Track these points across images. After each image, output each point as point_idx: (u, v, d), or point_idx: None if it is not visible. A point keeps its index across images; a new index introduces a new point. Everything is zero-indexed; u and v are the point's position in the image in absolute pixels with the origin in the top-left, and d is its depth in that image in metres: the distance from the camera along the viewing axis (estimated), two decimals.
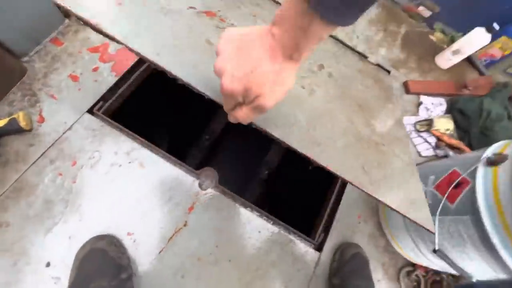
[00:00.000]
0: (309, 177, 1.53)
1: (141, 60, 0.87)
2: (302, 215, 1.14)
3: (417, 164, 0.94)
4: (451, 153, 0.94)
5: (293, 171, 1.70)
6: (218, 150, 1.98)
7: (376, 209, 0.86)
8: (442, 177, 0.65)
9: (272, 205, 1.56)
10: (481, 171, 0.55)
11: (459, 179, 0.59)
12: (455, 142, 0.96)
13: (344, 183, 0.88)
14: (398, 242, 0.79)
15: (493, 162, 0.54)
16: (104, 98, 0.79)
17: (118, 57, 0.84)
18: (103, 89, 0.79)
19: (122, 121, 0.80)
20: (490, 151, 0.60)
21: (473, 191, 0.55)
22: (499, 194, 0.51)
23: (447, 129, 0.99)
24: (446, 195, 0.60)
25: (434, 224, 0.63)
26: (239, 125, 0.46)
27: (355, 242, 0.79)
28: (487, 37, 1.02)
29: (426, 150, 0.98)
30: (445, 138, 0.97)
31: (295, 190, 1.54)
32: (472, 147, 0.96)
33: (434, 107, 1.06)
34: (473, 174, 0.57)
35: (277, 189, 1.71)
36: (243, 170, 1.98)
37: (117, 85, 0.82)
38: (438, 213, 0.62)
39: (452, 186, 0.59)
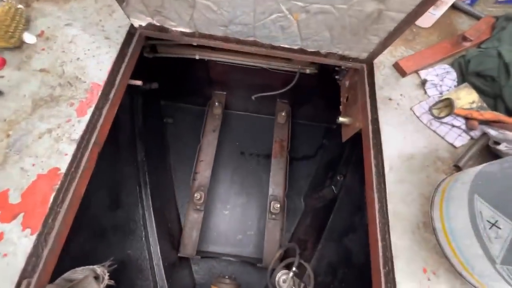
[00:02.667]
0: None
1: (65, 190, 0.62)
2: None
3: (457, 165, 0.72)
4: (492, 131, 0.72)
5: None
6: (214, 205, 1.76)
7: (441, 252, 0.63)
8: None
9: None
10: None
11: None
12: (490, 115, 0.74)
13: (386, 225, 0.65)
14: None
15: None
16: (27, 272, 0.55)
17: (27, 203, 0.59)
18: (20, 261, 0.54)
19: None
20: None
21: None
22: None
23: (472, 102, 0.78)
24: None
25: None
26: None
27: None
28: None
29: (459, 138, 0.76)
30: (476, 115, 0.75)
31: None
32: None
33: (441, 79, 0.85)
34: None
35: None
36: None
37: (40, 240, 0.57)
38: None
39: None
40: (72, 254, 0.99)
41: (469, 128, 0.76)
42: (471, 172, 0.61)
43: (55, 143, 0.64)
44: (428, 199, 0.68)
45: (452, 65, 0.87)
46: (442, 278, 0.61)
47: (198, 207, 1.58)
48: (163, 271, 1.19)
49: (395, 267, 0.61)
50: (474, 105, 0.77)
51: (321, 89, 1.74)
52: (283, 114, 1.84)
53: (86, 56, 0.75)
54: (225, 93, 1.92)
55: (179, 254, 1.47)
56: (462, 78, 0.83)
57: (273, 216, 1.60)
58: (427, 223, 0.66)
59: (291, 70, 1.52)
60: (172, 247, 1.45)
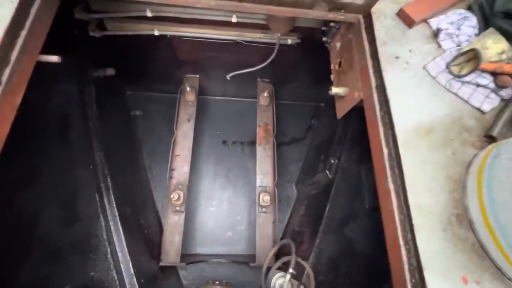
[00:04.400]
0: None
1: None
2: None
3: (489, 135, 0.55)
4: None
5: None
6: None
7: (483, 255, 0.48)
8: None
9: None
10: None
11: None
12: None
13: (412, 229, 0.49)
14: None
15: None
16: None
17: None
18: None
19: None
20: None
21: None
22: None
23: (501, 52, 0.61)
24: None
25: None
26: None
27: None
28: None
29: (487, 100, 0.60)
30: (508, 68, 0.58)
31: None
32: None
33: (457, 27, 0.66)
34: None
35: None
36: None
37: None
38: None
39: None
40: (21, 284, 0.79)
41: (499, 86, 0.59)
42: None
43: None
44: (458, 183, 0.52)
45: (469, 8, 0.69)
46: None
47: (177, 208, 1.38)
48: None
49: (425, 278, 0.45)
50: (504, 56, 0.60)
51: (305, 62, 1.54)
52: (265, 95, 1.63)
53: None
54: (198, 76, 1.69)
55: (160, 264, 1.29)
56: (485, 23, 0.65)
57: (263, 209, 1.43)
58: (461, 216, 0.50)
59: (269, 42, 1.30)
60: (151, 257, 1.27)
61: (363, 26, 0.66)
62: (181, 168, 1.49)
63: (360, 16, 0.67)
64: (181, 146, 1.53)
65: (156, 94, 1.80)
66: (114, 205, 1.09)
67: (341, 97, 0.76)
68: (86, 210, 1.01)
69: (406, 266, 0.46)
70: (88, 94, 1.22)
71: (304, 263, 1.04)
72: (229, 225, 1.62)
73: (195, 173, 1.66)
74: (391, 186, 0.51)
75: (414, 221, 0.48)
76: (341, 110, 0.77)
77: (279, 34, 1.19)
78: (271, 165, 1.57)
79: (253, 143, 1.77)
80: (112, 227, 1.05)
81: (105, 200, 1.08)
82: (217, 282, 1.30)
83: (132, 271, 1.02)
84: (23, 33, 0.52)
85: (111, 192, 1.10)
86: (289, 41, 1.28)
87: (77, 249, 0.95)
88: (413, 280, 0.46)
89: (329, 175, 1.28)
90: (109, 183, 1.12)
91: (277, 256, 1.25)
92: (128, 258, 1.03)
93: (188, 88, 1.56)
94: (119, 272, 0.99)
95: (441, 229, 0.48)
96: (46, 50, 0.60)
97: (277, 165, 1.64)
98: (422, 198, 0.50)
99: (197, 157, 1.71)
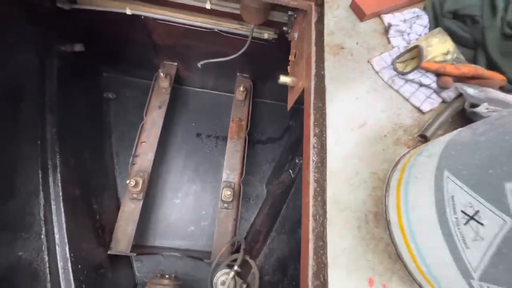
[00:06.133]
0: None
1: None
2: None
3: (423, 135, 0.53)
4: (469, 90, 0.53)
5: None
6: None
7: (396, 257, 0.44)
8: None
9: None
10: None
11: None
12: (468, 69, 0.55)
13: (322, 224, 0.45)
14: None
15: None
16: None
17: None
18: None
19: None
20: None
21: None
22: None
23: (446, 53, 0.58)
24: None
25: None
26: None
27: None
28: None
29: (428, 100, 0.57)
30: (450, 69, 0.56)
31: None
32: (495, 67, 0.56)
33: (409, 25, 0.64)
34: None
35: None
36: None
37: None
38: None
39: None
40: None
41: (441, 87, 0.57)
42: (440, 141, 0.42)
43: None
44: (383, 180, 0.49)
45: (425, 8, 0.67)
46: None
47: (134, 195, 1.33)
48: (71, 275, 0.94)
49: (329, 278, 0.41)
50: (449, 57, 0.58)
51: (284, 60, 1.53)
52: (241, 89, 1.60)
53: None
54: (175, 64, 1.65)
55: (109, 252, 1.23)
56: (436, 23, 0.63)
57: (225, 205, 1.39)
58: (379, 214, 0.47)
59: (247, 35, 1.28)
60: (99, 244, 1.21)
61: (314, 14, 0.63)
62: (145, 155, 1.44)
63: (313, 4, 0.64)
64: (148, 133, 1.49)
65: (134, 79, 1.75)
66: (59, 184, 1.03)
67: (291, 88, 0.73)
68: (25, 186, 0.95)
69: (310, 263, 0.42)
70: (49, 67, 1.17)
71: (251, 261, 1.00)
72: (192, 219, 1.57)
73: (164, 163, 1.62)
74: (312, 177, 0.48)
75: (328, 215, 0.45)
76: (290, 101, 0.74)
77: (252, 25, 1.16)
78: (240, 161, 1.53)
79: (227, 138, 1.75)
80: (53, 207, 0.99)
81: (50, 178, 1.02)
82: (166, 276, 1.25)
83: (68, 255, 0.96)
84: None
85: (58, 170, 1.05)
86: (266, 35, 1.25)
87: (8, 226, 0.89)
88: (320, 280, 0.43)
89: (291, 175, 1.25)
90: (57, 161, 1.06)
91: (235, 253, 1.21)
92: (66, 240, 0.97)
93: (162, 74, 1.52)
94: (52, 255, 0.93)
95: (355, 226, 0.45)
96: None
97: (249, 163, 1.61)
98: (341, 192, 0.47)
99: (168, 147, 1.67)
